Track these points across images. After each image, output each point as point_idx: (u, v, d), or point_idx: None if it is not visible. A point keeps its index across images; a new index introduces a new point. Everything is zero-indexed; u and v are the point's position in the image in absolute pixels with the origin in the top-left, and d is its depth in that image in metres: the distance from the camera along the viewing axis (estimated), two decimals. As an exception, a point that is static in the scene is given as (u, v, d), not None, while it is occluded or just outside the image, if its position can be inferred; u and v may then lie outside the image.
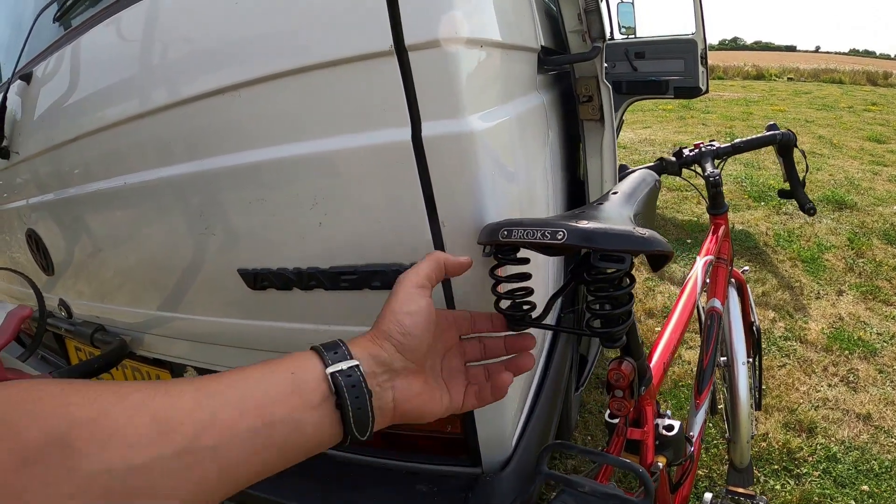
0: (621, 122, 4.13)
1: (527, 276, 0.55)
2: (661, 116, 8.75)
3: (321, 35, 0.58)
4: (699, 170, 1.28)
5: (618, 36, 4.01)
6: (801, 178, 1.29)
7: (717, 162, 1.27)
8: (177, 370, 1.05)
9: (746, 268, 1.56)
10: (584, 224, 0.45)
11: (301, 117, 0.63)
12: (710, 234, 1.23)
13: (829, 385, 2.10)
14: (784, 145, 1.28)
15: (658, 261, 0.54)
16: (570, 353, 1.21)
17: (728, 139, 1.43)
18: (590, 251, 0.45)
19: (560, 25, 1.13)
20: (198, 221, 0.77)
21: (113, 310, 1.06)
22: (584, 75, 1.17)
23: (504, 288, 0.54)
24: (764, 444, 1.81)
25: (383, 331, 0.46)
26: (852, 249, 3.26)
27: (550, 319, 1.06)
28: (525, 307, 0.55)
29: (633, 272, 0.50)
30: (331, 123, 0.61)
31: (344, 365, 0.42)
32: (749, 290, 1.45)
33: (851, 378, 2.13)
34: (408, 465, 0.85)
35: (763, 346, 2.32)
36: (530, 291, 0.55)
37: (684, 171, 1.31)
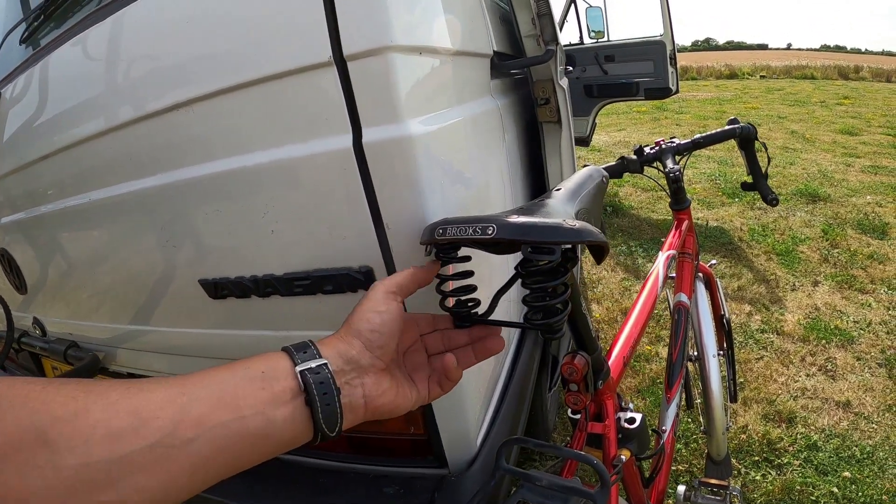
0: (594, 126, 4.21)
1: (469, 274, 0.56)
2: (634, 118, 8.87)
3: (264, 50, 0.60)
4: (661, 166, 1.30)
5: (587, 40, 4.08)
6: (763, 171, 1.32)
7: (678, 158, 1.30)
8: None
9: (714, 261, 1.59)
10: (514, 219, 0.46)
11: (249, 129, 0.64)
12: (674, 229, 1.25)
13: (808, 375, 2.13)
14: (745, 139, 1.31)
15: (597, 252, 0.55)
16: (538, 353, 1.22)
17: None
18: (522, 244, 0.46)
19: (515, 30, 1.16)
20: (160, 234, 0.78)
21: (85, 326, 1.07)
22: (540, 78, 1.20)
23: (447, 286, 0.56)
24: (744, 436, 1.83)
25: (352, 329, 0.48)
26: (827, 240, 3.32)
27: (518, 317, 1.07)
28: (469, 304, 0.56)
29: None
30: (277, 134, 0.63)
31: (313, 363, 0.43)
32: (718, 282, 1.48)
33: (829, 367, 2.16)
34: (376, 468, 0.86)
35: (740, 339, 2.35)
36: (473, 288, 0.56)
37: (647, 168, 1.34)
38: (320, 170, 0.62)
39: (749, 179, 1.36)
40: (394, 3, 0.57)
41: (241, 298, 0.73)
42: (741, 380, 2.09)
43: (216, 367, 0.41)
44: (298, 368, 0.42)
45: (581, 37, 4.07)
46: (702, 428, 1.47)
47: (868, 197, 4.09)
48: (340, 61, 0.57)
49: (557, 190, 0.64)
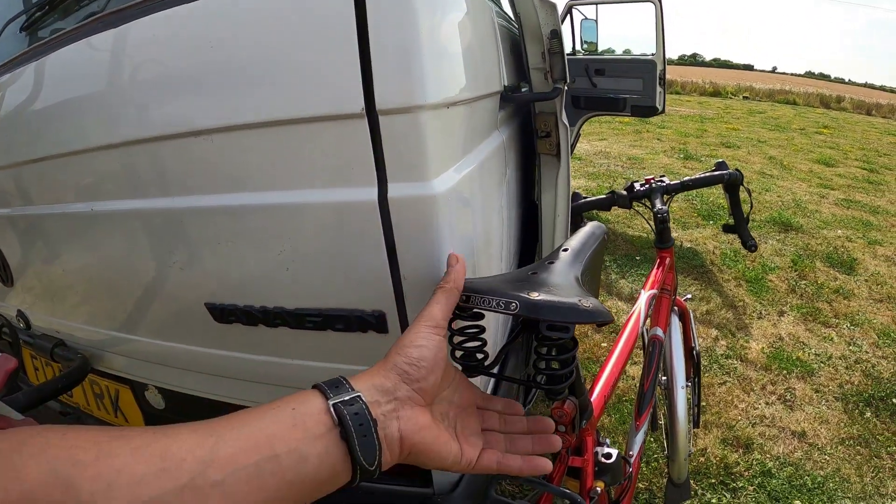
0: (578, 136, 4.28)
1: (482, 330, 0.60)
2: (617, 129, 9.00)
3: (297, 91, 0.61)
4: (648, 204, 1.35)
5: (579, 51, 4.15)
6: (745, 216, 1.38)
7: (665, 197, 1.35)
8: (138, 388, 1.06)
9: (689, 295, 1.66)
10: (534, 296, 0.50)
11: (273, 168, 0.65)
12: (656, 267, 1.31)
13: (767, 403, 2.24)
14: (731, 184, 1.37)
15: (601, 323, 0.59)
16: (519, 376, 1.26)
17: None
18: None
19: (524, 61, 1.18)
20: (167, 255, 0.78)
21: (74, 326, 1.06)
22: (543, 111, 1.22)
23: (459, 339, 0.59)
24: (702, 458, 1.91)
25: (388, 363, 0.46)
26: (795, 271, 3.45)
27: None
28: (479, 356, 0.60)
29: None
30: (301, 177, 0.64)
31: (346, 396, 0.42)
32: (691, 317, 1.55)
33: (788, 396, 2.27)
34: (365, 484, 0.89)
35: (705, 363, 2.44)
36: (484, 342, 0.60)
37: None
38: (342, 217, 0.64)
39: (731, 222, 1.42)
40: (429, 59, 0.59)
41: (248, 325, 0.75)
42: (704, 403, 2.18)
43: (246, 410, 0.40)
44: (331, 402, 0.41)
45: (574, 48, 4.13)
46: (665, 452, 1.54)
47: (839, 231, 4.26)
48: (372, 114, 0.59)
49: (564, 251, 0.67)
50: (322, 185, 0.64)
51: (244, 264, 0.72)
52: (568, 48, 4.20)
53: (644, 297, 1.16)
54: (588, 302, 0.50)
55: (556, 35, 1.11)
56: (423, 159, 0.60)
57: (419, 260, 0.64)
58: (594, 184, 5.42)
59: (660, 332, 1.28)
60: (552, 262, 0.63)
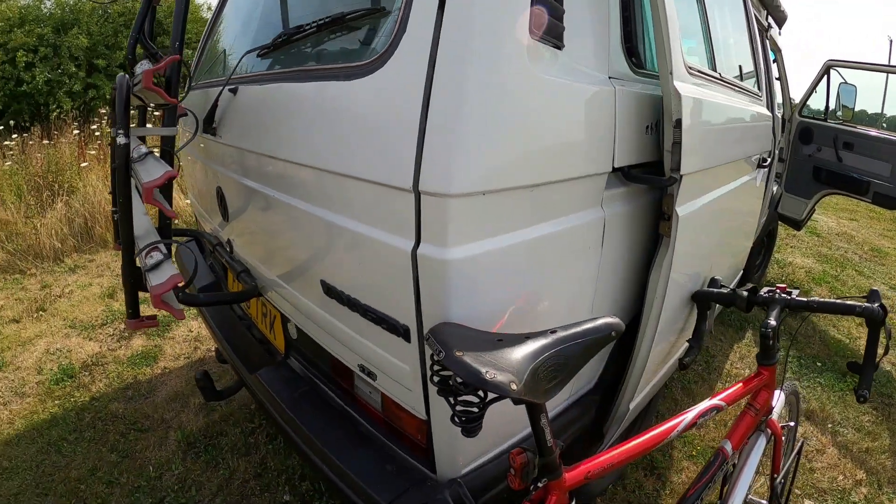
0: (812, 211, 3.75)
1: None
2: (872, 211, 7.38)
3: (379, 161, 0.87)
4: (764, 312, 1.29)
5: (831, 115, 3.62)
6: (875, 361, 1.23)
7: (785, 311, 1.28)
8: (285, 319, 1.48)
9: (802, 440, 1.48)
10: (458, 354, 0.66)
11: (355, 208, 0.97)
12: (743, 381, 1.25)
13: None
14: (871, 319, 1.23)
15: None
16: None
17: None
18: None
19: (660, 141, 1.23)
20: (305, 239, 1.16)
21: (255, 263, 1.51)
22: (671, 193, 1.25)
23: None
24: None
25: None
26: None
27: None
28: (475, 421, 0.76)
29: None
30: (377, 219, 0.92)
31: None
32: (795, 448, 1.40)
33: None
34: (390, 444, 1.17)
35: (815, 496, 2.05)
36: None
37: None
38: (393, 256, 0.89)
39: (860, 360, 1.27)
40: (465, 157, 0.79)
41: (340, 304, 1.06)
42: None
43: None
44: None
45: (826, 113, 3.62)
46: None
47: None
48: (416, 190, 0.81)
49: (553, 332, 0.79)
50: (388, 230, 0.90)
51: (337, 262, 1.05)
52: (818, 104, 3.72)
53: (700, 406, 1.14)
54: (500, 377, 0.64)
55: (679, 125, 1.14)
56: (444, 231, 0.81)
57: (434, 299, 0.86)
58: (821, 267, 4.67)
59: (729, 446, 1.23)
60: (518, 342, 0.75)
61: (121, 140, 1.12)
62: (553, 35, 0.93)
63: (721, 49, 1.69)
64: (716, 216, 1.61)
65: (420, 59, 0.80)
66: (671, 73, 1.13)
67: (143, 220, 1.31)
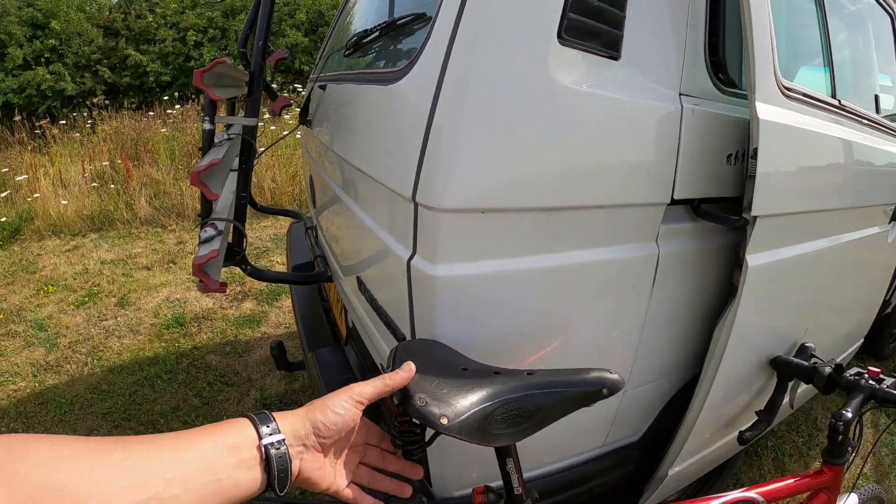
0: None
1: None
2: None
3: (384, 161, 0.89)
4: (843, 398, 1.08)
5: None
6: None
7: (871, 402, 1.06)
8: (346, 312, 1.53)
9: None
10: (419, 399, 0.63)
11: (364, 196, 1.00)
12: (799, 476, 1.05)
13: None
14: None
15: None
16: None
17: None
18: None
19: (744, 171, 1.07)
20: (352, 239, 1.25)
21: (328, 250, 1.60)
22: (745, 240, 1.09)
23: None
24: None
25: (311, 414, 0.59)
26: None
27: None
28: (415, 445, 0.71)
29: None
30: (381, 217, 0.96)
31: (274, 439, 0.55)
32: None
33: None
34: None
35: None
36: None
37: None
38: (389, 259, 0.90)
39: None
40: (463, 170, 0.75)
41: (361, 294, 1.13)
42: None
43: (199, 432, 0.52)
44: (263, 442, 0.54)
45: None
46: None
47: None
48: (415, 200, 0.79)
49: (529, 374, 0.72)
50: (395, 237, 0.90)
51: (367, 262, 1.10)
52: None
53: (730, 495, 0.99)
54: (431, 406, 0.61)
55: (755, 156, 0.99)
56: (434, 246, 0.78)
57: (423, 313, 0.84)
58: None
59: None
60: (485, 380, 0.69)
61: (206, 126, 1.27)
62: (602, 44, 0.85)
63: (847, 73, 1.43)
64: (816, 271, 1.37)
65: (435, 65, 0.78)
66: (755, 92, 0.97)
67: (227, 197, 1.43)
